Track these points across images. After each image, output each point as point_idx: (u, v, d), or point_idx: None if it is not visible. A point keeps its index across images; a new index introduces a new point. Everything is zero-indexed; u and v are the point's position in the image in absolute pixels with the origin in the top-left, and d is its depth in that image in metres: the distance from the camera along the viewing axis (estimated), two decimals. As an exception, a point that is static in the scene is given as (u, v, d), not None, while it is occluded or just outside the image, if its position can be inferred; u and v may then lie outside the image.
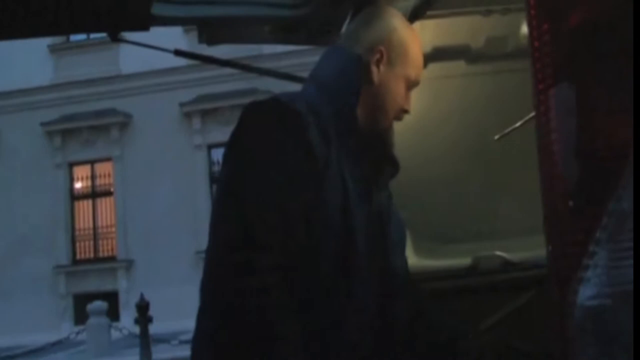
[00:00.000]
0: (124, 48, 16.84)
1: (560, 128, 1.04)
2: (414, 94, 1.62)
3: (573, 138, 1.03)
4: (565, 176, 1.05)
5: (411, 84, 1.58)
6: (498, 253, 2.55)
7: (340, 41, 1.62)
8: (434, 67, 2.38)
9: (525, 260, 2.75)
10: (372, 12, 1.59)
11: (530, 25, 1.07)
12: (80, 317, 14.76)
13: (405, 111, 1.58)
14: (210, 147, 16.68)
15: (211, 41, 2.32)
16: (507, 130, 2.26)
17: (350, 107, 1.47)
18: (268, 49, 14.48)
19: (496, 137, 2.29)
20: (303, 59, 12.74)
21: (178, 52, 2.48)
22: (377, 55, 1.52)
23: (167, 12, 2.24)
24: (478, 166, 2.60)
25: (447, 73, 2.53)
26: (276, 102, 1.44)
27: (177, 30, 13.32)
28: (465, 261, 2.56)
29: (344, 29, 2.03)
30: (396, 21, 1.58)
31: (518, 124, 2.14)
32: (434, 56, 2.42)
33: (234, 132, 1.44)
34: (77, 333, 12.09)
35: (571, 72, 1.02)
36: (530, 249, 2.75)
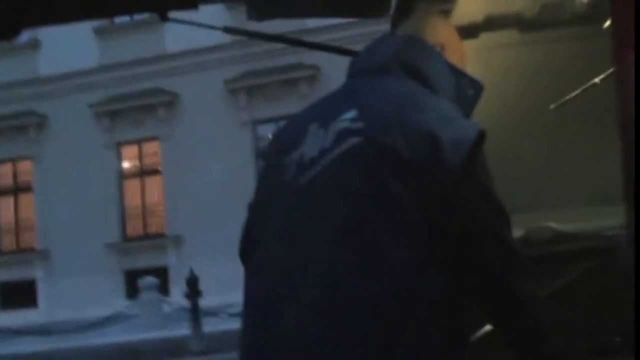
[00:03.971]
0: (168, 28, 16.97)
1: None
2: (467, 64, 1.61)
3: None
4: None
5: None
6: (550, 224, 2.53)
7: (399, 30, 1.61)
8: (486, 37, 2.36)
9: (577, 231, 2.73)
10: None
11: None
12: (132, 292, 15.10)
13: None
14: (255, 123, 16.77)
15: (260, 17, 2.31)
16: (563, 99, 2.22)
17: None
18: (312, 22, 14.43)
19: (552, 106, 2.26)
20: (349, 31, 12.71)
21: (227, 29, 2.48)
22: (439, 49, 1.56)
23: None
24: (531, 136, 2.58)
25: (500, 42, 2.50)
26: None
27: (219, 7, 13.38)
28: (516, 232, 2.55)
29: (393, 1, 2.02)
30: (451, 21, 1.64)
31: (575, 93, 2.11)
32: (486, 25, 2.39)
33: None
34: (130, 308, 12.38)
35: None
36: (583, 220, 2.73)
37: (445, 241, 1.32)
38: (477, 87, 1.53)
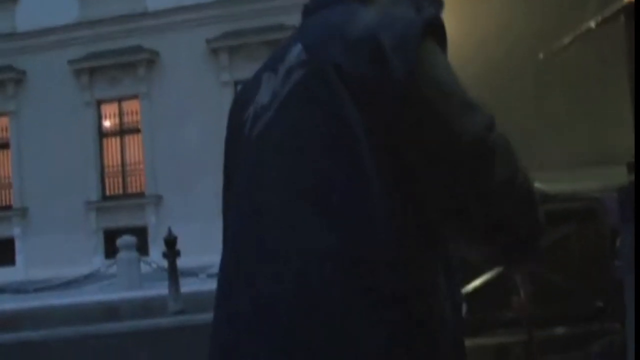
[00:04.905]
0: (150, -17, 16.71)
1: None
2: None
3: None
4: None
5: None
6: (536, 185, 2.48)
7: None
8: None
9: (562, 192, 2.69)
10: None
11: None
12: (111, 251, 15.04)
13: None
14: (237, 83, 16.59)
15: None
16: (553, 48, 2.15)
17: None
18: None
19: (541, 55, 2.18)
20: None
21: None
22: None
23: None
24: (517, 95, 2.51)
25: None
26: None
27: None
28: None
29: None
30: None
31: (567, 41, 2.03)
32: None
33: None
34: (108, 267, 12.32)
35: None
36: (569, 182, 2.69)
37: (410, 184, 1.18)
38: (437, 5, 1.36)
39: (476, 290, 2.65)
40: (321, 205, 1.19)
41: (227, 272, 1.34)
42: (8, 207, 17.81)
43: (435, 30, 1.21)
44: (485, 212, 1.19)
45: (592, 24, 1.89)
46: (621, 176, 2.43)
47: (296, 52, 1.32)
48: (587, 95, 2.36)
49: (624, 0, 1.68)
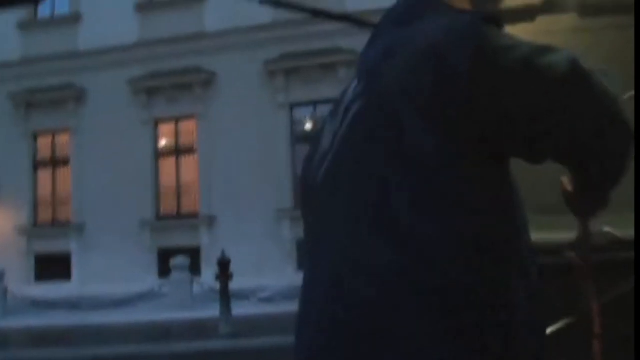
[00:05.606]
0: (209, 6, 16.91)
1: None
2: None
3: None
4: None
5: None
6: (607, 229, 2.31)
7: None
8: (544, 21, 2.15)
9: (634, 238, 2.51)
10: None
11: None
12: (164, 271, 15.13)
13: None
14: (292, 105, 16.62)
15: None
16: (632, 92, 2.00)
17: None
18: (352, 4, 14.19)
19: (625, 96, 2.04)
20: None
21: (263, 1, 2.32)
22: None
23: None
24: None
25: (558, 27, 2.29)
26: None
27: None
28: (569, 235, 2.34)
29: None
30: None
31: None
32: (544, 8, 2.18)
33: None
34: (161, 286, 12.38)
35: None
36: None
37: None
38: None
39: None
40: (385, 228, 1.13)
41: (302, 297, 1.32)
42: (66, 223, 18.14)
43: (489, 20, 1.16)
44: (600, 145, 1.15)
45: None
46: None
47: (352, 87, 1.28)
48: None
49: None
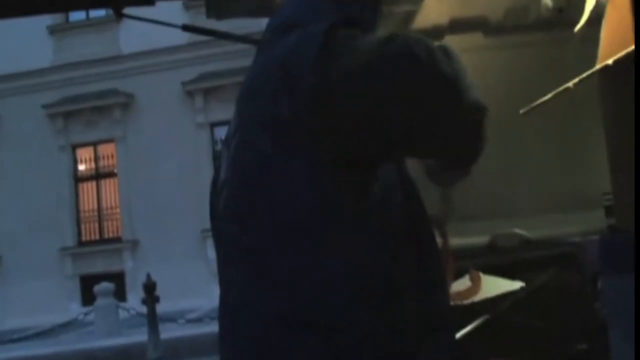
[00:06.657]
0: (124, 28, 16.70)
1: None
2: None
3: None
4: None
5: None
6: (517, 231, 2.50)
7: None
8: (451, 40, 2.31)
9: (542, 238, 2.70)
10: None
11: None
12: (88, 298, 14.79)
13: None
14: (212, 125, 16.59)
15: (220, 15, 2.23)
16: (533, 105, 2.18)
17: None
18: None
19: (522, 110, 2.21)
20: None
21: (186, 28, 2.40)
22: None
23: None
24: (496, 142, 2.54)
25: (464, 46, 2.45)
26: None
27: (177, 6, 13.11)
28: (482, 239, 2.51)
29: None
30: None
31: (547, 97, 2.07)
32: (451, 28, 2.34)
33: None
34: (85, 314, 12.11)
35: None
36: (549, 227, 2.70)
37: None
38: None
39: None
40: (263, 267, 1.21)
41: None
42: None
43: (343, 25, 1.18)
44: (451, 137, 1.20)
45: (570, 84, 1.94)
46: (599, 220, 2.45)
47: (233, 114, 1.34)
48: (565, 143, 2.39)
49: (597, 66, 1.75)
